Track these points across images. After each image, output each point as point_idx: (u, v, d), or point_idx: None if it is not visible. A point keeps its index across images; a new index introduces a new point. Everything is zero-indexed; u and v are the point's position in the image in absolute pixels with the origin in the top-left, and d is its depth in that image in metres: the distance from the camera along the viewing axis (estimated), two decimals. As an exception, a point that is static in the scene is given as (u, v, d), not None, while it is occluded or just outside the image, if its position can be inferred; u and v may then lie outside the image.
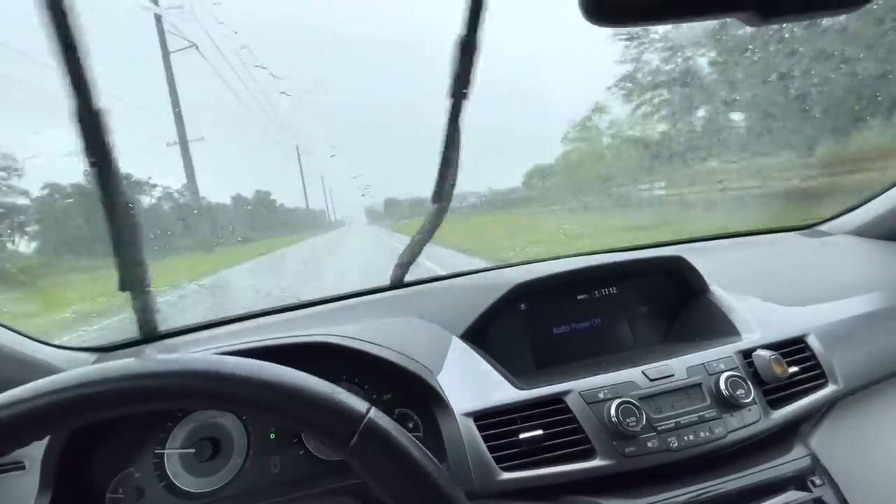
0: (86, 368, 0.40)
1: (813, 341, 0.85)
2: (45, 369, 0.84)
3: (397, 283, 1.14)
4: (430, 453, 0.43)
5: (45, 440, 0.67)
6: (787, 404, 0.77)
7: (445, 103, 0.88)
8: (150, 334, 1.00)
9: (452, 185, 1.00)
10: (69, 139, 0.73)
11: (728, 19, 0.40)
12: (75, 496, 0.69)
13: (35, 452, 0.70)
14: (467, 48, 0.81)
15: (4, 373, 0.78)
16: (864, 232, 1.27)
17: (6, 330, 0.82)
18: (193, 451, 0.75)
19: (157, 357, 0.42)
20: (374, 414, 0.42)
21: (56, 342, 0.93)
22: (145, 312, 0.96)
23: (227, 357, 0.43)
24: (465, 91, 0.85)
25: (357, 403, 0.42)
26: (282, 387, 0.41)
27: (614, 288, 1.01)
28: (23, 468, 0.72)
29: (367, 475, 0.41)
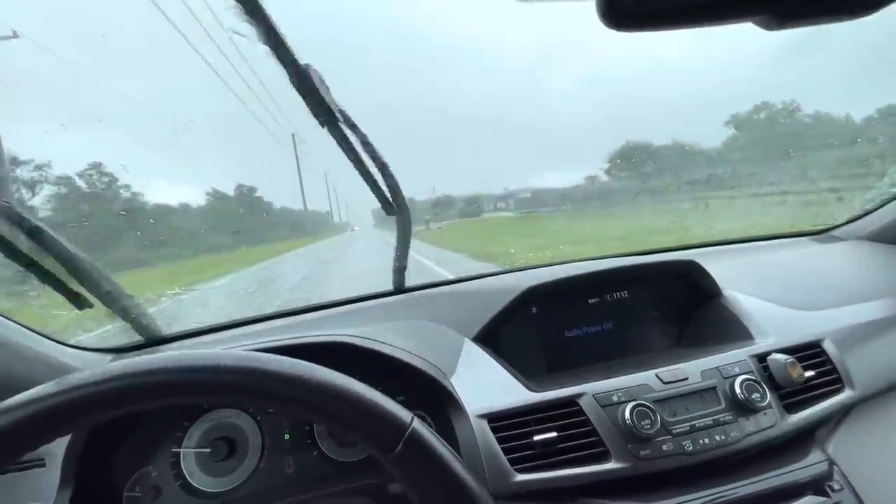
0: (137, 359, 0.41)
1: (829, 346, 0.84)
2: (65, 369, 0.85)
3: (403, 288, 1.14)
4: (466, 464, 0.44)
5: (67, 439, 0.68)
6: (804, 409, 0.76)
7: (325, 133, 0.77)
8: (155, 338, 1.01)
9: (400, 195, 0.91)
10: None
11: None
12: (94, 494, 0.70)
13: (55, 450, 0.71)
14: (303, 80, 0.70)
15: (27, 371, 0.80)
16: (878, 237, 1.26)
17: (27, 330, 0.84)
18: (209, 450, 0.76)
19: (208, 352, 0.43)
20: (417, 424, 0.44)
21: (73, 343, 0.95)
22: (138, 318, 0.96)
23: (281, 357, 0.44)
24: (334, 118, 0.75)
25: (403, 413, 0.44)
26: (333, 390, 0.42)
27: (626, 292, 1.01)
28: (43, 465, 0.73)
29: (408, 482, 0.43)
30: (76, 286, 0.83)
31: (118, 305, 0.90)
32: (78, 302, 0.85)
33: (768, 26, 0.39)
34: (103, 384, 0.40)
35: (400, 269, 1.11)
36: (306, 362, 0.44)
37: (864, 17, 0.37)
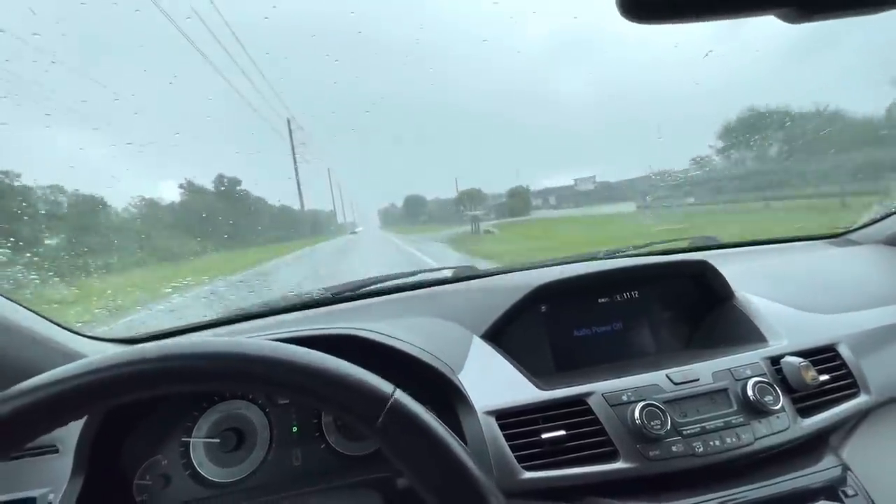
0: (142, 346, 0.42)
1: (844, 350, 0.83)
2: (80, 357, 0.86)
3: (415, 284, 1.14)
4: (453, 432, 0.44)
5: (81, 425, 0.69)
6: (818, 413, 0.75)
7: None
8: (177, 327, 1.03)
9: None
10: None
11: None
12: (106, 480, 0.71)
13: (67, 437, 0.72)
14: None
15: (44, 360, 0.81)
16: (895, 241, 1.24)
17: (44, 320, 0.85)
18: (218, 440, 0.77)
19: (193, 340, 0.43)
20: (400, 395, 0.44)
21: (88, 333, 0.96)
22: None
23: (258, 341, 0.44)
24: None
25: (383, 384, 0.44)
26: (311, 368, 0.43)
27: (636, 292, 1.00)
28: (56, 451, 0.74)
29: (393, 453, 0.43)
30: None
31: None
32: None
33: (791, 19, 0.39)
34: (121, 368, 0.40)
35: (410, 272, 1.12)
36: (291, 345, 0.44)
37: (884, 12, 0.36)
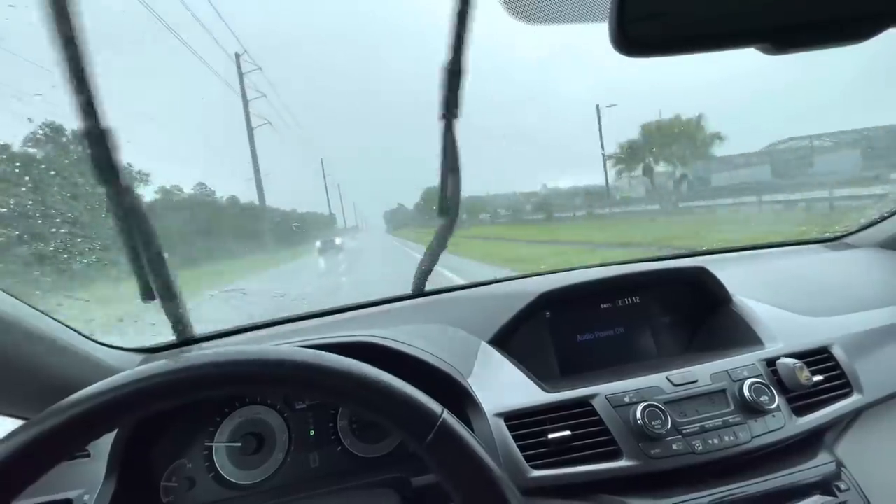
0: (196, 353, 0.46)
1: (837, 351, 0.86)
2: (102, 366, 0.90)
3: (421, 292, 1.18)
4: (487, 450, 0.48)
5: (114, 432, 0.73)
6: (812, 412, 0.78)
7: (438, 125, 0.88)
8: (188, 337, 1.06)
9: (457, 200, 1.01)
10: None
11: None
12: (136, 483, 0.75)
13: (99, 442, 0.76)
14: (454, 73, 0.82)
15: (67, 368, 0.85)
16: (890, 244, 1.27)
17: (68, 329, 0.89)
18: (239, 444, 0.81)
19: (258, 347, 0.48)
20: (448, 415, 0.48)
21: (108, 342, 1.00)
22: (178, 317, 1.01)
23: (317, 351, 0.49)
24: (455, 113, 0.86)
25: (434, 404, 0.48)
26: (370, 381, 0.47)
27: (637, 297, 1.03)
28: (88, 456, 0.78)
29: (439, 468, 0.47)
30: (149, 277, 0.88)
31: (173, 302, 0.95)
32: (147, 293, 0.89)
33: (768, 52, 0.43)
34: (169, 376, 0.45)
35: (424, 273, 1.15)
36: (351, 359, 0.49)
37: (852, 45, 0.40)
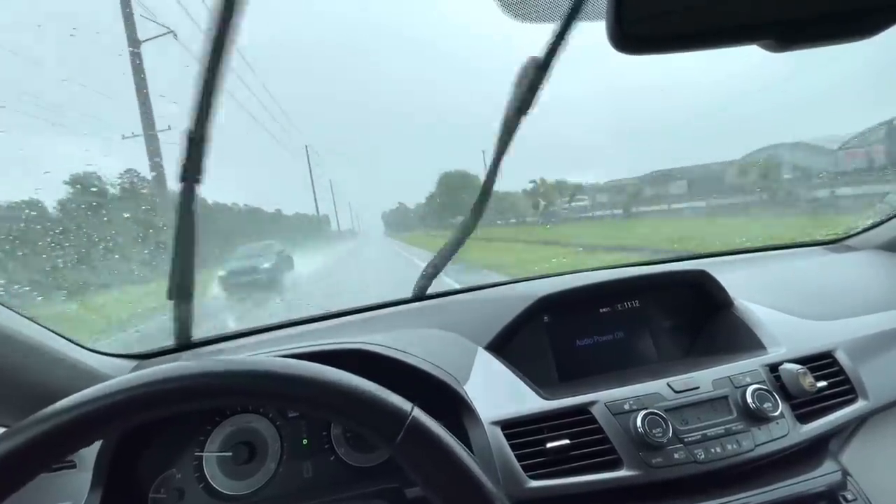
0: (162, 367, 0.44)
1: (841, 356, 0.84)
2: (92, 373, 0.88)
3: (420, 295, 1.16)
4: (465, 447, 0.46)
5: (98, 442, 0.71)
6: (816, 419, 0.76)
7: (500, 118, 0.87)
8: (184, 343, 1.04)
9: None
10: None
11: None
12: (123, 494, 0.73)
13: (85, 452, 0.74)
14: (541, 71, 0.80)
15: (54, 375, 0.83)
16: (892, 247, 1.26)
17: (58, 337, 0.87)
18: (230, 454, 0.79)
19: (217, 359, 0.45)
20: (418, 412, 0.46)
21: (99, 349, 0.98)
22: (182, 321, 1.01)
23: (285, 359, 0.46)
24: (526, 111, 0.85)
25: (402, 402, 0.46)
26: (333, 386, 0.45)
27: (637, 301, 1.02)
28: (73, 467, 0.76)
29: (412, 468, 0.45)
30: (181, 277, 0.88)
31: (187, 304, 0.94)
32: (181, 292, 0.90)
33: (771, 49, 0.41)
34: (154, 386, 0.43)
35: (429, 277, 1.13)
36: (311, 363, 0.46)
37: (856, 42, 0.39)
